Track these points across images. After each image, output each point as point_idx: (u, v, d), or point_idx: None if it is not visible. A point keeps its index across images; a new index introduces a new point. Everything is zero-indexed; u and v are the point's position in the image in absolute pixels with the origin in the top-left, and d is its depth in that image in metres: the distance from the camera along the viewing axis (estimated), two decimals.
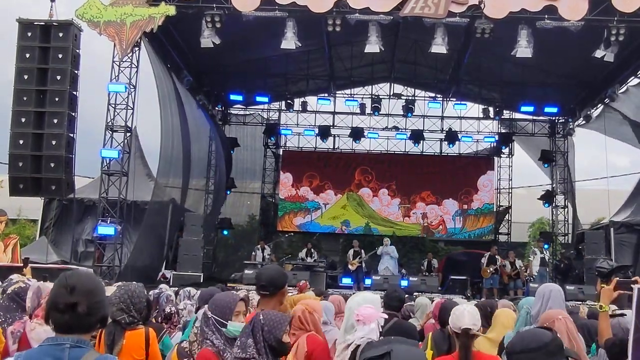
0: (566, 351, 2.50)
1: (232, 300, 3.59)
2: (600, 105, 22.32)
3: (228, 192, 26.76)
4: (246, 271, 18.67)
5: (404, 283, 18.48)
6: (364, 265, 20.92)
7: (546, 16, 15.89)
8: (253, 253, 21.20)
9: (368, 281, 19.62)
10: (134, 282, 5.16)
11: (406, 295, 9.32)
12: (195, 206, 22.97)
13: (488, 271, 19.69)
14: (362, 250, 21.01)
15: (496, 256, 20.07)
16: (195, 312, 5.40)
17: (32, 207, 24.90)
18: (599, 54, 16.64)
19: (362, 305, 4.18)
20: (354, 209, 26.88)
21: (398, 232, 26.39)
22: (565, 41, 17.42)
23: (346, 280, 20.49)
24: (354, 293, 14.53)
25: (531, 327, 4.34)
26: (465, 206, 26.71)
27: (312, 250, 21.42)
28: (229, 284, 17.09)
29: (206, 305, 4.74)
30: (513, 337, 2.68)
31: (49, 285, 4.84)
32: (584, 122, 23.50)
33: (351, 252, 21.12)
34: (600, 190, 22.23)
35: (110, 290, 5.64)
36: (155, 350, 4.69)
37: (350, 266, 20.76)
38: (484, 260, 19.95)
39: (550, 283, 4.58)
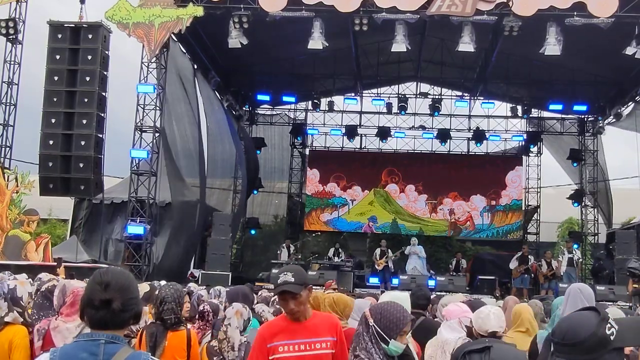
0: (618, 341, 2.19)
1: (403, 318, 3.40)
2: (631, 103, 22.03)
3: (255, 192, 26.88)
4: (273, 270, 18.72)
5: (432, 283, 18.41)
6: (390, 264, 20.88)
7: (575, 13, 15.72)
8: (278, 252, 21.29)
9: (395, 281, 19.56)
10: (175, 283, 5.19)
11: (434, 295, 9.28)
12: (220, 206, 23.10)
13: (518, 271, 19.53)
14: (389, 250, 20.97)
15: (529, 256, 19.90)
16: (224, 311, 5.42)
17: (62, 206, 25.25)
18: (629, 51, 16.43)
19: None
20: (381, 205, 26.75)
21: (425, 229, 26.27)
22: (595, 38, 17.23)
23: (373, 280, 20.46)
24: (382, 292, 14.50)
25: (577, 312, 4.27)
26: (494, 202, 26.45)
27: (340, 250, 21.44)
28: (256, 283, 17.18)
29: (237, 304, 4.78)
30: (557, 323, 2.48)
31: (74, 282, 4.90)
32: (614, 120, 23.21)
33: (378, 251, 21.09)
34: (631, 190, 21.92)
35: (142, 289, 5.71)
36: (196, 351, 4.68)
37: (377, 266, 20.73)
38: (516, 259, 19.81)
39: (577, 283, 4.49)
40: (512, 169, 26.80)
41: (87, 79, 16.73)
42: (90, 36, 16.88)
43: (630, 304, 14.28)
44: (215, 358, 4.30)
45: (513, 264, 19.78)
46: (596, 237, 24.96)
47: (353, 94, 26.47)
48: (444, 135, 26.60)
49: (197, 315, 5.74)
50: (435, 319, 7.29)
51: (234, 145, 23.50)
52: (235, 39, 16.86)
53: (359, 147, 27.75)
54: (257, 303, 7.15)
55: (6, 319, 4.27)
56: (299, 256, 21.49)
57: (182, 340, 4.65)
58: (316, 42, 16.94)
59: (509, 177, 26.61)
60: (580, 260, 21.07)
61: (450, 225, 26.63)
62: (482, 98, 25.96)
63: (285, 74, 24.10)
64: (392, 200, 26.78)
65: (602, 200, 25.23)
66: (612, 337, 2.21)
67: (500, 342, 3.33)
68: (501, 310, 4.74)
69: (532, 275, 19.83)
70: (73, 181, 16.81)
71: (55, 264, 14.21)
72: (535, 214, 27.08)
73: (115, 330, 2.60)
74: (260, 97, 25.68)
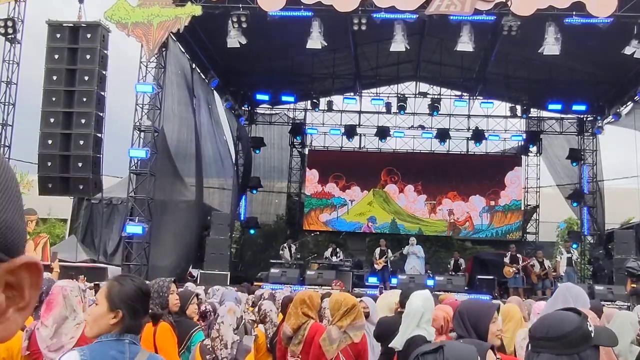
0: (595, 339, 2.33)
1: None
2: (630, 102, 22.02)
3: (254, 192, 26.92)
4: (272, 270, 18.75)
5: (430, 282, 18.40)
6: (389, 264, 20.88)
7: (574, 13, 15.72)
8: (281, 252, 21.30)
9: (394, 280, 19.56)
10: (161, 278, 5.20)
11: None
12: (219, 205, 23.09)
13: (510, 271, 19.57)
14: (389, 250, 20.98)
15: (517, 255, 19.95)
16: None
17: (62, 206, 25.28)
18: (628, 50, 16.42)
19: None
20: (380, 206, 26.78)
21: (424, 229, 26.28)
22: (594, 38, 17.23)
23: (372, 280, 20.45)
24: (380, 292, 14.49)
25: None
26: (493, 202, 26.48)
27: (338, 249, 21.46)
28: (255, 283, 17.19)
29: (229, 303, 4.78)
30: (536, 320, 2.59)
31: (59, 282, 4.87)
32: (613, 119, 23.21)
33: (377, 251, 21.08)
34: (630, 190, 21.91)
35: None
36: (162, 344, 4.67)
37: (376, 265, 20.73)
38: (506, 260, 19.87)
39: (566, 282, 4.44)
40: (512, 169, 26.83)
41: (86, 78, 16.71)
42: (89, 36, 16.86)
43: (629, 304, 14.28)
44: (207, 356, 4.31)
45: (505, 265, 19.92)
46: (594, 236, 24.95)
47: (352, 94, 26.48)
48: (443, 135, 26.63)
49: (198, 316, 5.77)
50: None
51: (231, 145, 23.54)
52: (234, 39, 16.86)
53: (358, 146, 27.78)
54: (264, 300, 7.13)
55: None
56: (298, 256, 21.52)
57: (149, 333, 4.70)
58: (315, 41, 16.95)
59: (508, 178, 26.64)
60: (578, 259, 21.10)
61: (449, 226, 26.64)
62: (481, 98, 25.98)
63: (284, 74, 24.10)
64: (391, 200, 26.80)
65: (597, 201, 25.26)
66: (592, 334, 2.34)
67: (452, 341, 3.36)
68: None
69: (524, 274, 19.88)
70: (72, 181, 16.79)
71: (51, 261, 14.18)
72: (535, 214, 27.10)
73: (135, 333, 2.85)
74: (259, 96, 25.72)
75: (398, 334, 4.49)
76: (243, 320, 5.03)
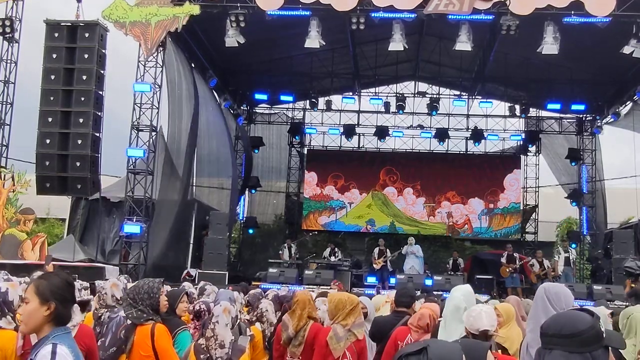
0: (607, 340, 2.37)
1: None
2: (629, 102, 22.01)
3: (253, 191, 26.88)
4: (270, 270, 18.71)
5: (429, 282, 18.37)
6: (388, 264, 20.85)
7: (573, 12, 15.71)
8: (280, 252, 21.28)
9: (393, 280, 19.54)
10: (150, 278, 5.17)
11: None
12: (217, 205, 23.05)
13: (507, 270, 19.56)
14: (387, 250, 20.95)
15: (514, 254, 19.94)
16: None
17: (60, 205, 25.21)
18: (627, 49, 16.40)
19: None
20: (379, 208, 26.77)
21: (423, 232, 26.24)
22: (593, 37, 17.21)
23: (371, 280, 20.42)
24: (377, 291, 14.46)
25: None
26: (492, 205, 26.46)
27: (336, 249, 21.43)
28: (253, 283, 17.15)
29: (224, 302, 4.74)
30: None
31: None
32: (612, 119, 23.19)
33: (376, 250, 21.05)
34: (630, 189, 21.88)
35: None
36: (162, 345, 4.62)
37: (374, 265, 20.71)
38: (503, 260, 19.85)
39: (546, 284, 4.31)
40: (511, 171, 26.78)
41: (84, 77, 16.69)
42: (87, 35, 16.83)
43: (627, 304, 14.25)
44: (202, 356, 4.28)
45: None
46: (594, 236, 24.93)
47: (351, 93, 26.43)
48: (442, 134, 26.61)
49: (193, 315, 5.73)
50: None
51: (229, 144, 23.50)
52: (232, 38, 16.84)
53: (357, 146, 27.76)
54: (264, 299, 7.11)
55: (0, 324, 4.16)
56: (297, 256, 21.49)
57: (146, 335, 4.64)
58: (313, 40, 16.93)
59: (507, 180, 26.61)
60: (576, 259, 21.08)
61: (448, 229, 26.62)
62: (480, 97, 25.95)
63: (283, 73, 24.06)
64: (390, 203, 26.77)
65: (598, 201, 25.25)
66: (604, 335, 2.37)
67: (436, 340, 3.32)
68: (493, 309, 4.70)
69: (523, 273, 19.86)
70: (70, 180, 16.77)
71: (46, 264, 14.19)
72: (534, 214, 27.06)
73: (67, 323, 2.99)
74: (258, 96, 25.66)
75: (440, 329, 4.44)
76: (238, 320, 4.99)
